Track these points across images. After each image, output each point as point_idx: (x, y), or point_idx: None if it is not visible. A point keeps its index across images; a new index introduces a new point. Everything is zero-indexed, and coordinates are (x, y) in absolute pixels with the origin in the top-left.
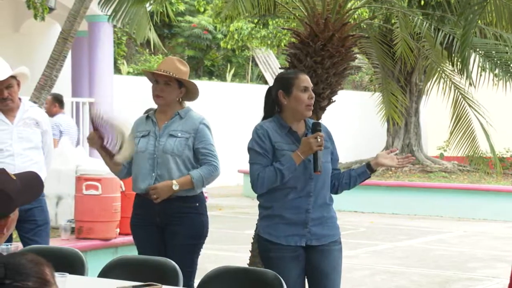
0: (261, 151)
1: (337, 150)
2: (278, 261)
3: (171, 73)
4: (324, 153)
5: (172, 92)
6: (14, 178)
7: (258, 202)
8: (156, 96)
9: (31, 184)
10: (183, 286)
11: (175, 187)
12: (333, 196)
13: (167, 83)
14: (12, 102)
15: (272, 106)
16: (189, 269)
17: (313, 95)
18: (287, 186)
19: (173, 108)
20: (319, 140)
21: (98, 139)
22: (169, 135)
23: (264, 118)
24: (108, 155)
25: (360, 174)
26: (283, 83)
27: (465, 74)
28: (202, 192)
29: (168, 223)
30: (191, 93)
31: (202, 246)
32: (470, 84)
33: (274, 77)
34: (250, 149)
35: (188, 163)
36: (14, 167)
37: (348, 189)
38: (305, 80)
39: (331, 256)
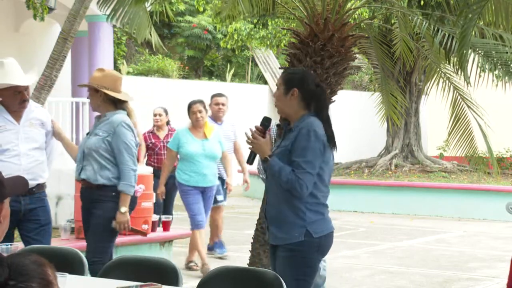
0: None
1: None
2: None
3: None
4: (280, 151)
5: (92, 99)
6: None
7: (256, 203)
8: None
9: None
10: None
11: (122, 210)
12: (332, 196)
13: (90, 93)
14: (28, 102)
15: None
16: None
17: None
18: None
19: (103, 111)
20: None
21: None
22: (94, 133)
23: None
24: None
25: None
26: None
27: (462, 74)
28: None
29: (89, 207)
30: (111, 88)
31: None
32: (467, 83)
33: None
34: None
35: (103, 158)
36: (20, 167)
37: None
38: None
39: (279, 260)
